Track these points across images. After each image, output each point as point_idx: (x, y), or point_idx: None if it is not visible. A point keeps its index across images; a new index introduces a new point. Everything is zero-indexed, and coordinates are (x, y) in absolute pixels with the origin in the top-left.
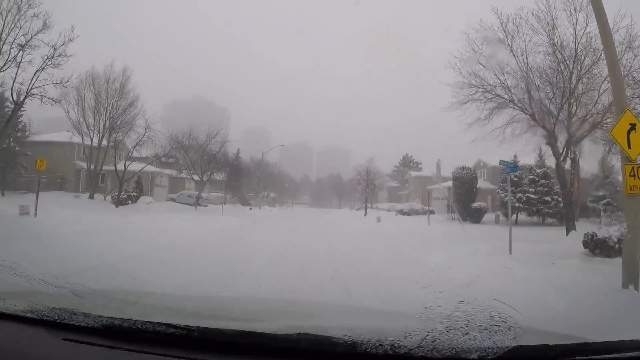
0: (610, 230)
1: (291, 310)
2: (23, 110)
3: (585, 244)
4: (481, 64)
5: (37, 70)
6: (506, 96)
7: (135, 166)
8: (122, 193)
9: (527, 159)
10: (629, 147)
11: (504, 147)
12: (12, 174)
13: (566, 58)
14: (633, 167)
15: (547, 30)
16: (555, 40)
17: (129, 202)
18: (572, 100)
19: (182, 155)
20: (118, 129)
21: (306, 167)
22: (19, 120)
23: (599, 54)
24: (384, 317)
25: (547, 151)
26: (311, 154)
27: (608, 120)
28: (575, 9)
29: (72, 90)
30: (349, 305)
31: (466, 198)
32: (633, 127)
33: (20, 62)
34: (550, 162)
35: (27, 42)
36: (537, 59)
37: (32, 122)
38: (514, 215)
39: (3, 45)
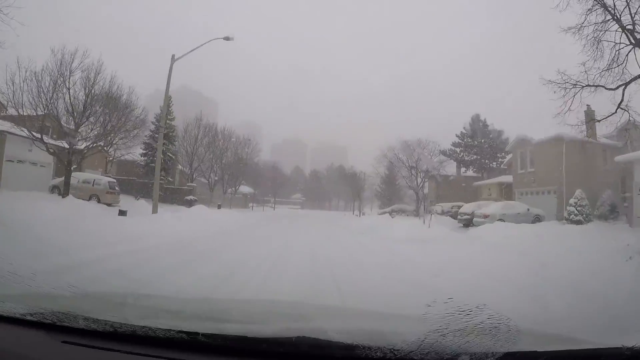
0: None
1: (290, 312)
2: None
3: None
4: None
5: None
6: None
7: None
8: None
9: None
10: None
11: None
12: None
13: None
14: None
15: None
16: None
17: None
18: None
19: None
20: None
21: (299, 164)
22: None
23: None
24: (383, 320)
25: None
26: (305, 150)
27: None
28: None
29: None
30: (348, 308)
31: None
32: None
33: None
34: None
35: None
36: None
37: None
38: None
39: None
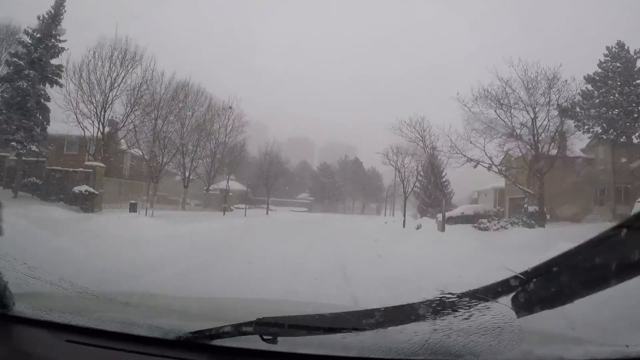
0: None
1: (294, 311)
2: None
3: None
4: None
5: None
6: None
7: None
8: None
9: None
10: None
11: None
12: None
13: None
14: None
15: None
16: None
17: None
18: None
19: None
20: None
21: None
22: None
23: None
24: None
25: None
26: (313, 148)
27: None
28: None
29: None
30: (350, 307)
31: None
32: None
33: None
34: None
35: None
36: None
37: None
38: None
39: None
